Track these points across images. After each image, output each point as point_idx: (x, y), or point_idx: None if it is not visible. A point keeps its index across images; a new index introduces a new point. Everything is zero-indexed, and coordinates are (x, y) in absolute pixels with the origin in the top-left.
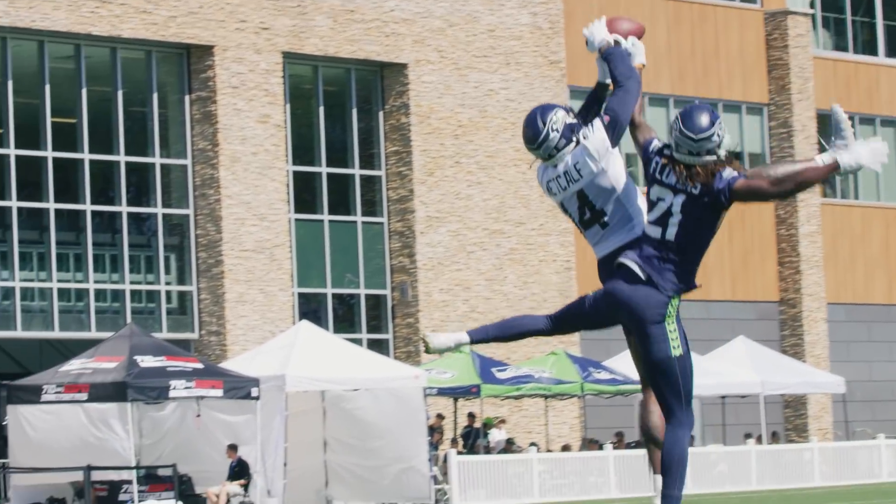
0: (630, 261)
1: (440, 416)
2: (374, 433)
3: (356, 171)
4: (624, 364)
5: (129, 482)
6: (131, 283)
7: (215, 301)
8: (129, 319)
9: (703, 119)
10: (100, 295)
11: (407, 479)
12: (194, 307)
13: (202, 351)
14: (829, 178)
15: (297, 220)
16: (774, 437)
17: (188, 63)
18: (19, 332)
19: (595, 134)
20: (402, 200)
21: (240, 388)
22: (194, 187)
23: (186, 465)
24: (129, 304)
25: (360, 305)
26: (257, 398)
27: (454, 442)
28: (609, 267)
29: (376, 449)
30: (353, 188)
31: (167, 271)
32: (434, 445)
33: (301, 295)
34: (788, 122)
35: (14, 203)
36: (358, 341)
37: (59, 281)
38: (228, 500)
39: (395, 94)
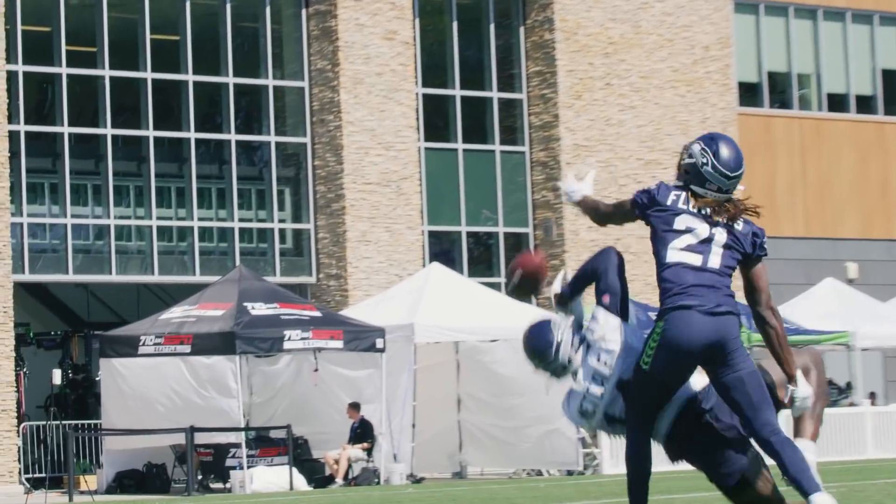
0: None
1: None
2: (515, 390)
3: (494, 95)
4: (796, 312)
5: (238, 446)
6: (240, 220)
7: (335, 241)
8: (237, 262)
9: (738, 155)
10: (205, 234)
11: (551, 442)
12: (311, 248)
13: (320, 297)
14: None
15: (427, 149)
16: None
17: None
18: (114, 277)
19: (600, 323)
20: (545, 127)
21: (363, 339)
22: (312, 112)
23: (302, 426)
24: (237, 245)
25: (498, 245)
26: (382, 350)
27: None
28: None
29: (517, 408)
30: (491, 113)
31: (281, 207)
32: None
33: (432, 233)
34: None
35: (109, 131)
36: (496, 286)
37: (158, 218)
38: (350, 466)
39: (537, 7)
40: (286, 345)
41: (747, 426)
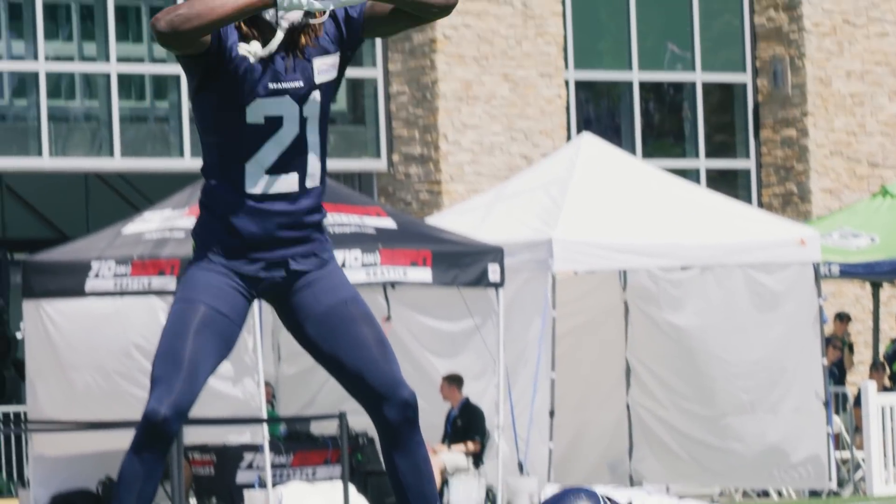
0: None
1: (843, 319)
2: (717, 352)
3: None
4: None
5: (257, 448)
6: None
7: (419, 96)
8: None
9: None
10: None
11: (781, 444)
12: (378, 109)
13: (394, 194)
14: None
15: None
16: None
17: None
18: (45, 160)
19: None
20: None
21: (466, 266)
22: None
23: (363, 414)
24: None
25: (693, 104)
26: (499, 284)
27: (875, 367)
28: None
29: (724, 386)
30: None
31: None
32: (834, 373)
33: (581, 85)
34: None
35: None
36: (690, 174)
37: (121, 60)
38: (445, 482)
39: None
40: None
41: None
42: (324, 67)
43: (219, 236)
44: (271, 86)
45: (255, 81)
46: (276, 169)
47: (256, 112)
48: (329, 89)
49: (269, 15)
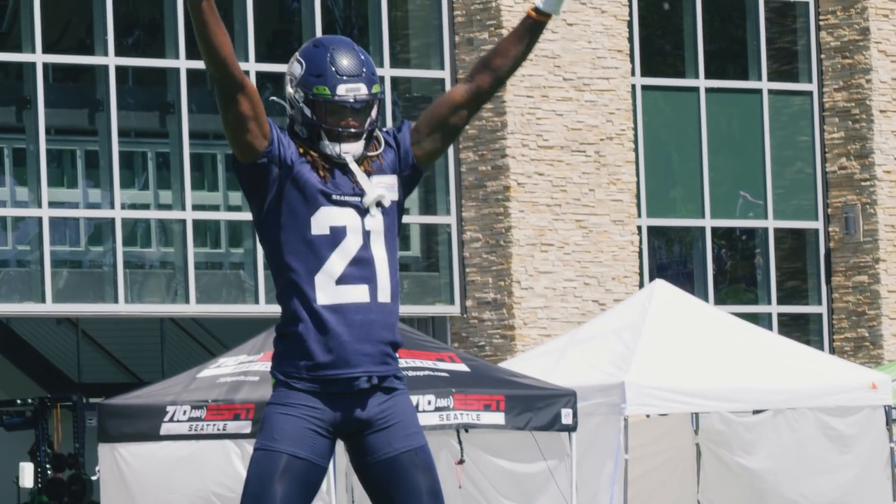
0: None
1: None
2: (789, 495)
3: None
4: None
5: None
6: None
7: (492, 244)
8: None
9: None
10: None
11: None
12: (452, 256)
13: (467, 339)
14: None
15: (643, 86)
16: None
17: None
18: (121, 307)
19: None
20: (848, 50)
21: (539, 410)
22: (453, 27)
23: None
24: None
25: (766, 250)
26: (573, 428)
27: None
28: None
29: None
30: (754, 30)
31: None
32: None
33: (654, 231)
34: None
35: (112, 59)
36: (761, 318)
37: (196, 208)
38: None
39: None
40: None
41: None
42: (383, 186)
43: (296, 363)
44: (334, 196)
45: (317, 192)
46: (345, 279)
47: (321, 222)
48: (391, 209)
49: (331, 150)
